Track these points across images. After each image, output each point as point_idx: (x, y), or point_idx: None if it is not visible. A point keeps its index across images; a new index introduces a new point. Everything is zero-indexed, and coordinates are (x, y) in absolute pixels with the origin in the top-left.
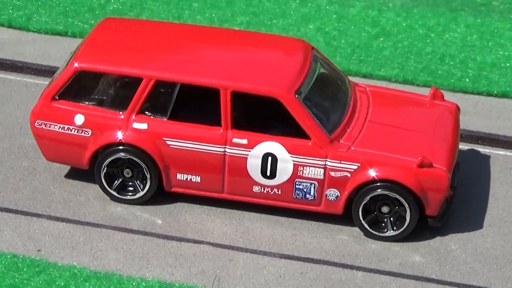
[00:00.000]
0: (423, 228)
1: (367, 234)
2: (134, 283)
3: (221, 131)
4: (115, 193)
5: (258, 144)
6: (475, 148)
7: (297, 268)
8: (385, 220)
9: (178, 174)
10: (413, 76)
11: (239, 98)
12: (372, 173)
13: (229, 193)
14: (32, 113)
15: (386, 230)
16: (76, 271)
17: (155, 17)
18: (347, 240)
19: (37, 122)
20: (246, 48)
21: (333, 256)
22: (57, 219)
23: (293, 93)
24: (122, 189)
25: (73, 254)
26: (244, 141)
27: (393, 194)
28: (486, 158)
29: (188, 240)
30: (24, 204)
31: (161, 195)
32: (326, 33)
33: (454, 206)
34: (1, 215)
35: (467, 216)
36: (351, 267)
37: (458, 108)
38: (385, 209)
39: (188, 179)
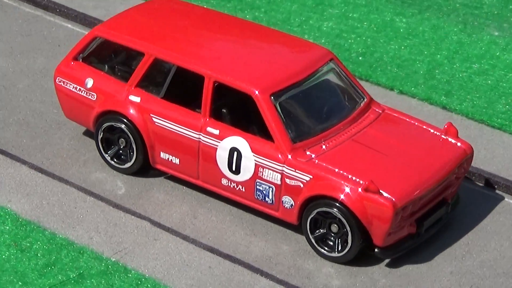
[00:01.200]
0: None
1: (314, 249)
2: (45, 234)
3: (200, 118)
4: (108, 159)
5: (228, 137)
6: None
7: (208, 262)
8: (333, 239)
9: (161, 152)
10: None
11: (221, 89)
12: (319, 188)
13: (203, 181)
14: (55, 70)
15: (331, 250)
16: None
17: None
18: (287, 251)
19: (58, 79)
20: (257, 44)
21: (258, 262)
22: (39, 169)
23: (268, 94)
24: (116, 156)
25: (17, 197)
26: (216, 132)
27: (337, 213)
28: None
29: (134, 213)
30: (26, 151)
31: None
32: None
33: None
34: None
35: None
36: (266, 275)
37: (468, 149)
38: (334, 228)
39: (169, 159)
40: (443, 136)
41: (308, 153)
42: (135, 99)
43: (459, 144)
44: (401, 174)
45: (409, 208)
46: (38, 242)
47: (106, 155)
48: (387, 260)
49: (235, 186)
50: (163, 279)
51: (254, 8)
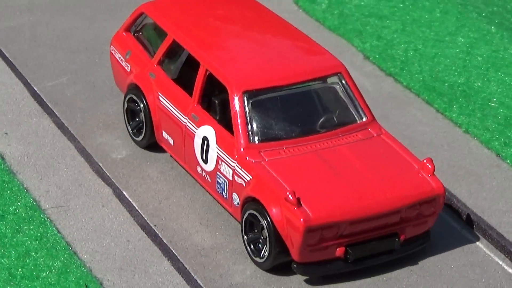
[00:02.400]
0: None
1: (246, 251)
2: (15, 186)
3: (190, 104)
4: (129, 129)
5: (203, 125)
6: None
7: (130, 236)
8: (261, 244)
9: (163, 131)
10: None
11: (212, 78)
12: (253, 189)
13: (187, 166)
14: (111, 39)
15: (255, 255)
16: None
17: None
18: (222, 247)
19: (111, 47)
20: (272, 41)
21: (181, 249)
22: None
23: (241, 91)
24: (137, 128)
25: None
26: (197, 119)
27: (261, 218)
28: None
29: (104, 178)
30: (61, 111)
31: None
32: None
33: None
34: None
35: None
36: (173, 259)
37: (437, 190)
38: (264, 233)
39: (167, 139)
40: (421, 172)
41: (262, 155)
42: (152, 76)
43: (431, 182)
44: (339, 195)
45: (334, 229)
46: None
47: (128, 125)
48: (317, 279)
49: (205, 176)
50: (73, 242)
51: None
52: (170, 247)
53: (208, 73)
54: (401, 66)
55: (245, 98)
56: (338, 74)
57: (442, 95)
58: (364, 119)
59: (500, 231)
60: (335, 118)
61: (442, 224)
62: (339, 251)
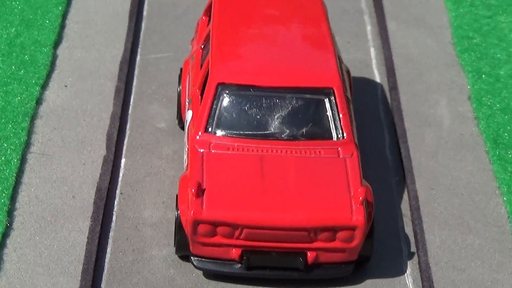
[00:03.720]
0: None
1: None
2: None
3: (192, 88)
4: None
5: (189, 109)
6: None
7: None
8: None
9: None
10: None
11: None
12: (181, 176)
13: None
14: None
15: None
16: None
17: None
18: (157, 225)
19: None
20: (288, 44)
21: (118, 220)
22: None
23: (216, 82)
24: None
25: None
26: (190, 103)
27: (176, 206)
28: None
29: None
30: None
31: None
32: None
33: None
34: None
35: None
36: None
37: (356, 222)
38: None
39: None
40: (351, 201)
41: (211, 146)
42: (192, 60)
43: (353, 211)
44: (249, 200)
45: (229, 230)
46: None
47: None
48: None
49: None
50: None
51: None
52: (114, 213)
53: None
54: None
55: (218, 90)
56: (329, 89)
57: None
58: (340, 139)
59: None
60: (307, 130)
61: None
62: (235, 254)
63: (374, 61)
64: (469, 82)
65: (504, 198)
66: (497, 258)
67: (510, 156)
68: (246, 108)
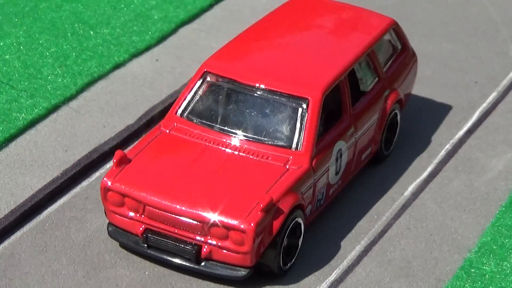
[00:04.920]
0: None
1: None
2: None
3: None
4: None
5: None
6: None
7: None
8: None
9: None
10: None
11: None
12: None
13: None
14: None
15: None
16: None
17: None
18: None
19: None
20: (302, 50)
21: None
22: None
23: (204, 69)
24: None
25: None
26: None
27: None
28: None
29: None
30: None
31: None
32: None
33: None
34: None
35: None
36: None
37: (244, 225)
38: None
39: None
40: (254, 205)
41: (173, 127)
42: None
43: (247, 215)
44: (159, 179)
45: (135, 204)
46: None
47: None
48: None
49: None
50: None
51: None
52: None
53: None
54: None
55: (202, 77)
56: (305, 100)
57: None
58: (296, 150)
59: None
60: (268, 133)
61: None
62: (139, 230)
63: None
64: None
65: None
66: None
67: None
68: (222, 100)
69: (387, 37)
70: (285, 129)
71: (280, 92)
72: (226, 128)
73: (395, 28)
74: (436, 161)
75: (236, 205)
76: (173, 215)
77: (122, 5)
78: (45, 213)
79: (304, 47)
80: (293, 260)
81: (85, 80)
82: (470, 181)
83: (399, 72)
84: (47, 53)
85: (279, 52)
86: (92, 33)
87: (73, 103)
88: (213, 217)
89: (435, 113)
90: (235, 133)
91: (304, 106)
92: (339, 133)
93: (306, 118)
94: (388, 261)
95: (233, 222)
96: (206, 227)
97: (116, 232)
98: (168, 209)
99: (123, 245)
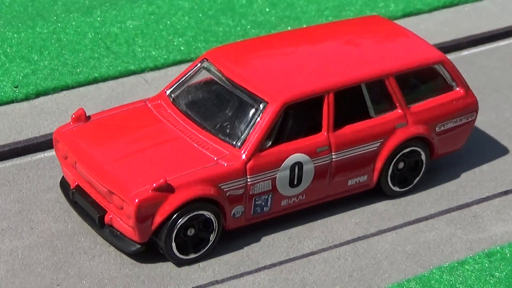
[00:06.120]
0: None
1: None
2: None
3: None
4: None
5: None
6: None
7: None
8: None
9: None
10: None
11: None
12: None
13: None
14: None
15: None
16: None
17: None
18: None
19: None
20: (305, 57)
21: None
22: None
23: (203, 58)
24: None
25: None
26: None
27: None
28: None
29: None
30: None
31: None
32: None
33: None
34: None
35: None
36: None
37: (133, 199)
38: None
39: None
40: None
41: (154, 102)
42: None
43: (137, 192)
44: (95, 137)
45: (71, 161)
46: None
47: None
48: None
49: None
50: None
51: None
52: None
53: None
54: None
55: (200, 63)
56: (265, 103)
57: None
58: (237, 147)
59: None
60: (221, 126)
61: None
62: (73, 185)
63: None
64: None
65: None
66: None
67: None
68: (203, 88)
69: (432, 72)
70: (237, 126)
71: (247, 90)
72: (190, 113)
73: (446, 66)
74: None
75: (139, 179)
76: (91, 177)
77: None
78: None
79: (315, 58)
80: (200, 253)
81: None
82: None
83: (434, 110)
84: None
85: (284, 58)
86: None
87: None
88: (113, 185)
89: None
90: (195, 120)
91: (261, 108)
92: (303, 146)
93: (258, 120)
94: None
95: (123, 194)
96: (109, 194)
97: (62, 183)
98: (88, 170)
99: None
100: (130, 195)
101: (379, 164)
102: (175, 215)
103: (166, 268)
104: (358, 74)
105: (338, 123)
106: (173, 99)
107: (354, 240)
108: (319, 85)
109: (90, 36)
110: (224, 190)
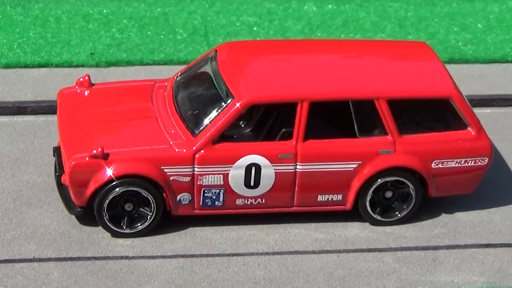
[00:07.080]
0: None
1: None
2: None
3: None
4: None
5: None
6: None
7: None
8: None
9: None
10: None
11: None
12: None
13: None
14: None
15: None
16: None
17: None
18: None
19: None
20: (305, 63)
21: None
22: None
23: (216, 48)
24: None
25: None
26: None
27: None
28: None
29: None
30: None
31: None
32: None
33: None
34: None
35: None
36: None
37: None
38: None
39: None
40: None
41: (160, 85)
42: None
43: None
44: (80, 106)
45: None
46: None
47: None
48: None
49: None
50: None
51: None
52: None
53: None
54: None
55: (211, 54)
56: (231, 97)
57: None
58: (194, 134)
59: None
60: (192, 113)
61: None
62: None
63: None
64: None
65: None
66: None
67: None
68: (200, 76)
69: (444, 107)
70: (202, 116)
71: (225, 84)
72: (176, 98)
73: (456, 102)
74: None
75: (87, 146)
76: (59, 136)
77: None
78: None
79: (316, 68)
80: (135, 230)
81: None
82: None
83: (432, 145)
84: None
85: (287, 63)
86: None
87: None
88: (65, 147)
89: None
90: (176, 105)
91: (228, 102)
92: (264, 150)
93: (219, 114)
94: None
95: (68, 156)
96: (64, 155)
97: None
98: (60, 130)
99: None
100: (71, 157)
101: (355, 186)
102: (108, 186)
103: (99, 236)
104: (342, 89)
105: (315, 135)
106: (176, 83)
107: (298, 253)
108: (294, 92)
109: None
110: (168, 173)
